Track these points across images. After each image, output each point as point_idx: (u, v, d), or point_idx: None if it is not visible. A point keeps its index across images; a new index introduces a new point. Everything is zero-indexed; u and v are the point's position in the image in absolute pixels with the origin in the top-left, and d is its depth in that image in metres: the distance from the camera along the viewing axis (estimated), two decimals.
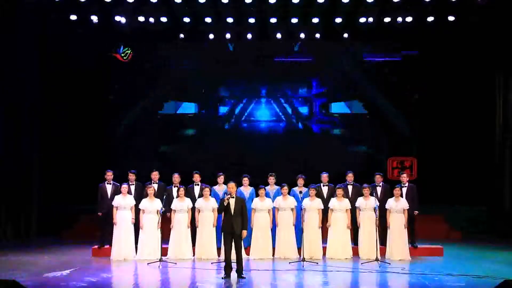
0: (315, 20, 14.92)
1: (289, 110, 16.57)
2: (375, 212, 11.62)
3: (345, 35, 15.48)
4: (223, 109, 16.62)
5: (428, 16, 14.66)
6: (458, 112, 15.64)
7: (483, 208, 15.35)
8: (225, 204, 9.98)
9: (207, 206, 11.84)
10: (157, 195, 12.07)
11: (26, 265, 11.03)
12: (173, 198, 12.11)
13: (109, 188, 12.36)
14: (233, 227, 9.96)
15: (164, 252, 11.53)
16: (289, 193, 12.12)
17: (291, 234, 11.97)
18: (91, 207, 12.99)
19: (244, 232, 10.18)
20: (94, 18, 14.67)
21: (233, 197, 10.15)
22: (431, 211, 14.45)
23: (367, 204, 11.90)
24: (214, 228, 11.86)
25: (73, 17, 14.64)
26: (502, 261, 11.48)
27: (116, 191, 12.18)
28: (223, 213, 10.11)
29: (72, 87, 15.51)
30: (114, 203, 11.96)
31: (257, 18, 14.93)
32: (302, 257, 11.17)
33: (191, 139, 16.60)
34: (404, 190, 12.25)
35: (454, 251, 12.60)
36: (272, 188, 12.43)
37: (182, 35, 15.53)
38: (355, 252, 11.98)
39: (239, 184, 12.00)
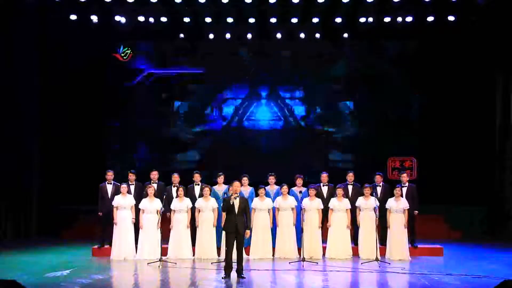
0: (315, 20, 14.93)
1: (287, 110, 16.53)
2: (375, 212, 11.62)
3: (345, 35, 15.50)
4: (225, 110, 16.62)
5: (428, 16, 14.67)
6: (458, 111, 15.58)
7: (483, 208, 15.32)
8: (231, 203, 9.96)
9: (207, 206, 11.83)
10: (157, 195, 12.07)
11: (26, 265, 11.03)
12: (173, 198, 12.12)
13: (109, 188, 12.36)
14: (237, 227, 9.93)
15: (164, 252, 11.53)
16: (288, 193, 12.11)
17: (292, 234, 11.97)
18: (91, 207, 12.98)
19: (248, 232, 10.19)
20: (94, 18, 14.68)
21: (238, 197, 10.16)
22: (431, 211, 14.41)
23: (367, 204, 11.90)
24: (214, 228, 11.85)
25: (73, 17, 14.66)
26: (502, 261, 11.49)
27: (117, 191, 12.18)
28: (224, 213, 10.10)
29: (72, 87, 15.49)
30: (114, 203, 11.95)
31: (257, 18, 14.93)
32: (302, 257, 11.17)
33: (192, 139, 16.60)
34: (404, 190, 12.25)
35: (454, 251, 12.61)
36: (272, 188, 12.42)
37: (182, 35, 15.53)
38: (355, 252, 11.98)
39: None
